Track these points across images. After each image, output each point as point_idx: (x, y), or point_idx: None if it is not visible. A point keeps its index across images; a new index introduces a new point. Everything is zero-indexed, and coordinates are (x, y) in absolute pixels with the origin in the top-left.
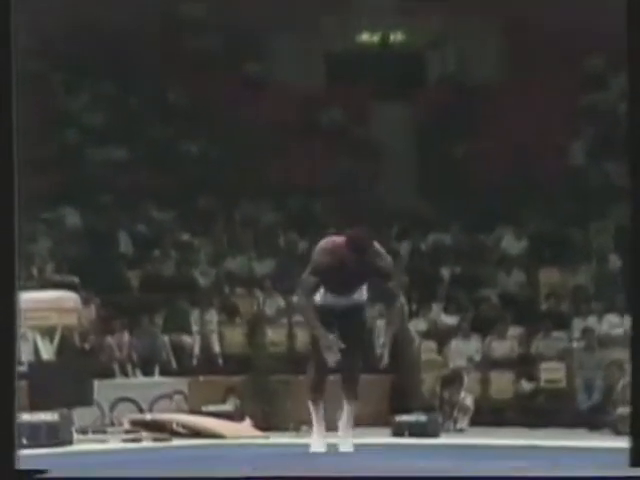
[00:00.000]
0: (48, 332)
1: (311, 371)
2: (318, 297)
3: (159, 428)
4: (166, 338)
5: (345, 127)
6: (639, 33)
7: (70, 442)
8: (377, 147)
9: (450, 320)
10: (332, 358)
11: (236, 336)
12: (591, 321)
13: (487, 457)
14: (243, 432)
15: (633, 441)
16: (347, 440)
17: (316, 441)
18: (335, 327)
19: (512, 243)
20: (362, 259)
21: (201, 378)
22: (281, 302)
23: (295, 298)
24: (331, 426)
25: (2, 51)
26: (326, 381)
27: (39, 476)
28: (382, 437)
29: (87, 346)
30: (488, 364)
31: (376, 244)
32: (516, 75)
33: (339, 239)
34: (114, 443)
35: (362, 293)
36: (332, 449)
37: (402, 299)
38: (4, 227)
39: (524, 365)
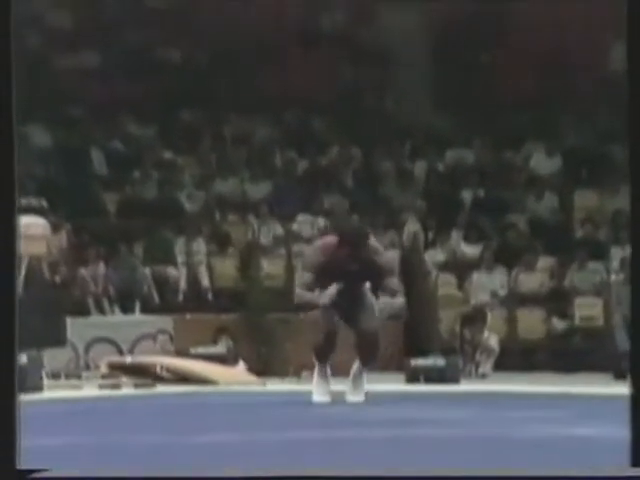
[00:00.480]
0: None
1: (319, 336)
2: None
3: (141, 373)
4: (148, 270)
5: (349, 32)
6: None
7: (40, 388)
8: (386, 54)
9: (472, 250)
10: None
11: (227, 268)
12: None
13: (513, 406)
14: (236, 377)
15: (633, 440)
16: (357, 390)
17: (318, 390)
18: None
19: (543, 162)
20: (358, 257)
21: (188, 316)
22: (278, 230)
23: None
24: (339, 371)
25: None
26: (335, 346)
27: (39, 475)
28: (395, 384)
29: (58, 279)
30: (515, 300)
31: (372, 240)
32: None
33: (332, 238)
34: (90, 389)
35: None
36: (338, 398)
37: (416, 234)
38: None
39: (556, 301)
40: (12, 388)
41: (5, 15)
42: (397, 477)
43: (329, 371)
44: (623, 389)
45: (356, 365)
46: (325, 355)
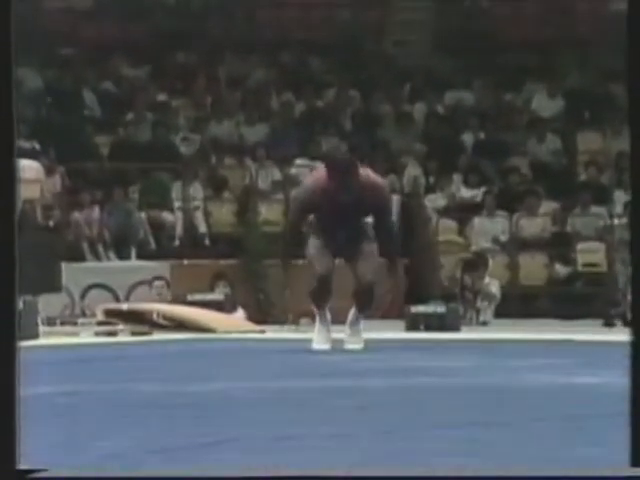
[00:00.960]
0: None
1: (313, 280)
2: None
3: (137, 319)
4: (143, 215)
5: None
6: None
7: (35, 335)
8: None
9: (472, 194)
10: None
11: (225, 213)
12: None
13: (515, 354)
14: (234, 325)
15: (633, 441)
16: (355, 337)
17: (318, 338)
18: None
19: (544, 103)
20: (349, 186)
21: (185, 262)
22: (276, 174)
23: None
24: (338, 319)
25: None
26: (331, 288)
27: (39, 475)
28: (394, 331)
29: (51, 223)
30: (517, 245)
31: (371, 173)
32: None
33: (321, 171)
34: (86, 336)
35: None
36: (337, 346)
37: (417, 179)
38: None
39: (558, 246)
40: (13, 387)
41: None
42: (397, 477)
43: (329, 317)
44: (622, 336)
45: (353, 311)
46: (322, 299)
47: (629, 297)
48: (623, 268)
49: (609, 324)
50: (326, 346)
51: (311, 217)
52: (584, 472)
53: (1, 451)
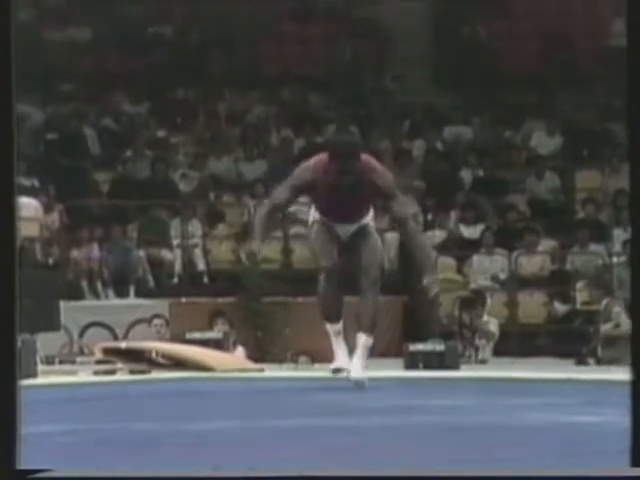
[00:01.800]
0: None
1: (321, 287)
2: (316, 217)
3: (136, 358)
4: (142, 252)
5: (346, 6)
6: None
7: (34, 374)
8: (384, 31)
9: (471, 232)
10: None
11: (224, 251)
12: None
13: (514, 392)
14: (233, 363)
15: (633, 441)
16: (359, 373)
17: (343, 362)
18: (342, 253)
19: (543, 140)
20: (350, 169)
21: (184, 300)
22: None
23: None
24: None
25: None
26: (341, 299)
27: (39, 475)
28: (393, 369)
29: (50, 260)
30: (515, 283)
31: (372, 160)
32: None
33: (323, 155)
34: (84, 375)
35: (368, 218)
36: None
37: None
38: None
39: (557, 284)
40: (13, 386)
41: None
42: (397, 477)
43: (343, 333)
44: (622, 375)
45: (358, 335)
46: (333, 307)
47: (603, 331)
48: (622, 306)
49: (581, 362)
50: (361, 373)
51: (312, 210)
52: (584, 472)
53: (1, 451)
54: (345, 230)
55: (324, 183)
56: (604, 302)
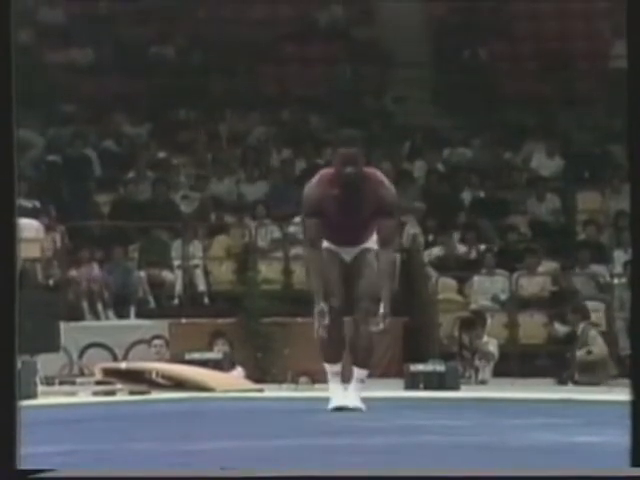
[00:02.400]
0: None
1: (324, 329)
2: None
3: (136, 378)
4: (143, 273)
5: (347, 28)
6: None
7: (34, 395)
8: (385, 52)
9: (471, 253)
10: (318, 324)
11: (224, 272)
12: None
13: (514, 413)
14: (233, 384)
15: (633, 441)
16: (355, 402)
17: (340, 401)
18: (341, 282)
19: (544, 162)
20: (356, 161)
21: (184, 320)
22: (276, 232)
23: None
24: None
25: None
26: (344, 341)
27: (40, 476)
28: (393, 390)
29: (51, 282)
30: (516, 304)
31: (379, 173)
32: None
33: (328, 169)
34: (84, 396)
35: (371, 241)
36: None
37: (415, 237)
38: None
39: (558, 305)
40: (13, 386)
41: (5, 17)
42: (397, 477)
43: (341, 371)
44: (622, 396)
45: (353, 380)
46: (336, 351)
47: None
48: (624, 327)
49: (562, 382)
50: (347, 402)
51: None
52: (584, 472)
53: (1, 451)
54: (348, 252)
55: (330, 196)
56: (581, 326)
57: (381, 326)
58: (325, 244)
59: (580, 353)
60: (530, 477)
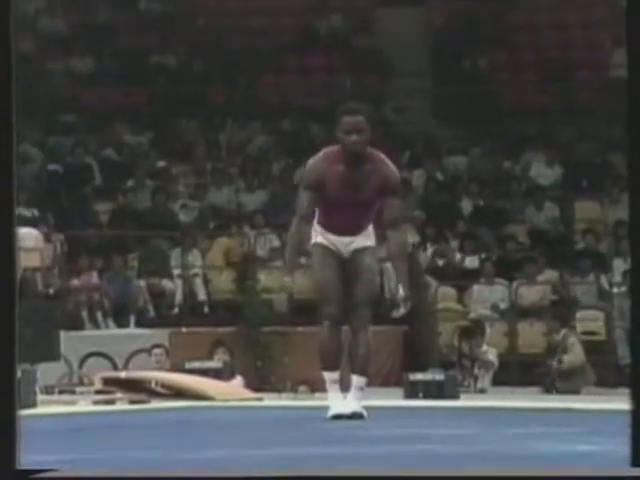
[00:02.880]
0: None
1: (324, 336)
2: (318, 239)
3: (136, 387)
4: (142, 282)
5: (347, 37)
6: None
7: (33, 404)
8: (384, 60)
9: (471, 262)
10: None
11: (224, 281)
12: None
13: (514, 422)
14: (233, 393)
15: (633, 441)
16: (355, 407)
17: (339, 409)
18: (339, 285)
19: (543, 171)
20: (362, 129)
21: (184, 329)
22: (275, 241)
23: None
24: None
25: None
26: (343, 348)
27: (40, 476)
28: (393, 399)
29: (51, 291)
30: (515, 313)
31: (382, 154)
32: None
33: (330, 147)
34: (84, 405)
35: (369, 233)
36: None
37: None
38: None
39: (557, 314)
40: (12, 386)
41: (5, 26)
42: (398, 477)
43: (339, 380)
44: (623, 405)
45: (351, 376)
46: (335, 359)
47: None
48: (624, 336)
49: (548, 390)
50: (345, 410)
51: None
52: (584, 472)
53: (1, 451)
54: (346, 244)
55: (333, 171)
56: (562, 333)
57: (402, 311)
58: (320, 239)
59: (554, 362)
60: (530, 477)
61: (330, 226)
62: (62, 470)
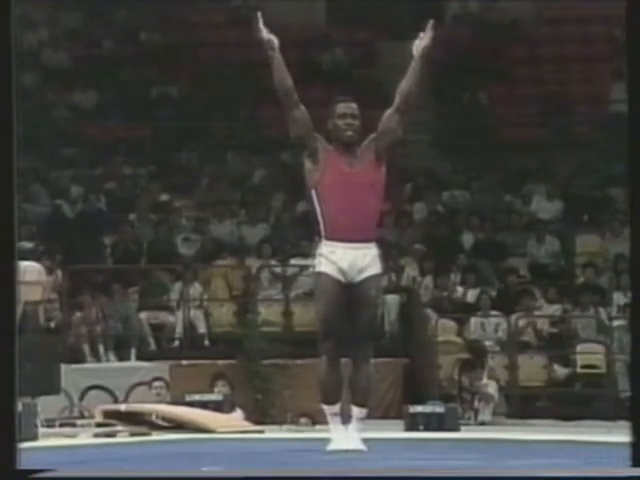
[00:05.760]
0: None
1: (323, 372)
2: (322, 266)
3: (136, 420)
4: (143, 315)
5: (348, 70)
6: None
7: (34, 437)
8: (385, 93)
9: (471, 295)
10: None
11: (224, 314)
12: None
13: (514, 454)
14: (233, 425)
15: (633, 441)
16: (356, 444)
17: (340, 444)
18: (341, 318)
19: (544, 205)
20: (357, 132)
21: (184, 362)
22: (276, 274)
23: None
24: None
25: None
26: (342, 382)
27: (40, 476)
28: (393, 431)
29: (52, 324)
30: (515, 346)
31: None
32: (549, 8)
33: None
34: (84, 438)
35: (376, 253)
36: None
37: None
38: None
39: (557, 347)
40: (12, 386)
41: (6, 52)
42: (398, 477)
43: (340, 413)
44: (623, 437)
45: (352, 419)
46: (335, 393)
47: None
48: (624, 369)
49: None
50: (349, 446)
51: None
52: (584, 472)
53: (1, 451)
54: (356, 266)
55: (331, 167)
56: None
57: None
58: (324, 267)
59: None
60: (531, 477)
61: (336, 228)
62: (62, 470)
